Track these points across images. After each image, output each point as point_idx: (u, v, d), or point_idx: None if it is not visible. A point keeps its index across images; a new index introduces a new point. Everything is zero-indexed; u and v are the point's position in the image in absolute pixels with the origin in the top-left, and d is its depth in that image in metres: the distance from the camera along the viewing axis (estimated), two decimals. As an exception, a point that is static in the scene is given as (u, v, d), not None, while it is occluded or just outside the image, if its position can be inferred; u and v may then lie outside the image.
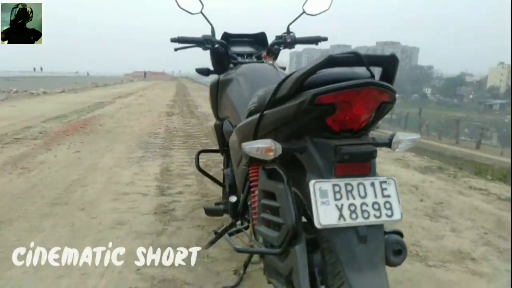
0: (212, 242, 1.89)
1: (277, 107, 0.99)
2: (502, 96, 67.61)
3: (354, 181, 0.88)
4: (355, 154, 0.86)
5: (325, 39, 2.02)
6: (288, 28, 2.03)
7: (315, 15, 1.99)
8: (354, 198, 0.86)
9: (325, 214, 0.84)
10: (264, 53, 2.05)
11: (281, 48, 2.05)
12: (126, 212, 2.61)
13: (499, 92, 70.58)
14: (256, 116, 1.10)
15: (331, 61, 0.84)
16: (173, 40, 1.95)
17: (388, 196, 0.88)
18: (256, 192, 1.26)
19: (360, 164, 0.89)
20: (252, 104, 1.25)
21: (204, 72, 2.28)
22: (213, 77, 2.06)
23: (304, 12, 1.99)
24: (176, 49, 2.14)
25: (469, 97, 72.18)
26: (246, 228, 1.58)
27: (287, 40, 2.01)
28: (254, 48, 2.21)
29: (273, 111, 1.01)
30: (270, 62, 2.06)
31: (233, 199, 1.43)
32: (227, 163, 2.10)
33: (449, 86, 70.91)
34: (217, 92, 1.94)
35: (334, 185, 0.87)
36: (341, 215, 0.85)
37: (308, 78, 0.89)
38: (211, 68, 2.24)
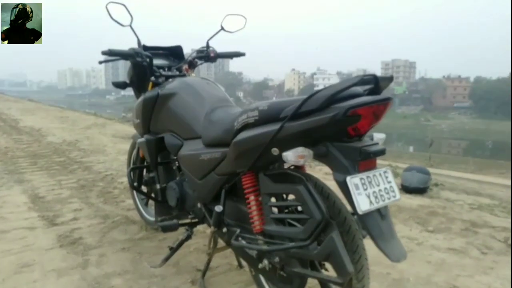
0: (167, 259, 1.87)
1: (304, 119, 1.13)
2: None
3: (370, 174, 1.14)
4: (374, 152, 1.12)
5: (243, 54, 2.22)
6: (207, 43, 2.14)
7: (233, 32, 2.18)
8: (373, 186, 1.13)
9: (362, 203, 1.08)
10: (185, 66, 2.12)
11: (202, 62, 2.16)
12: (23, 251, 2.22)
13: (294, 93, 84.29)
14: (270, 127, 1.21)
15: (361, 81, 1.07)
16: (104, 53, 1.85)
17: (390, 182, 1.18)
18: (253, 197, 1.39)
19: (373, 160, 1.16)
20: (249, 117, 1.32)
21: (121, 85, 2.19)
22: (148, 92, 1.99)
23: (222, 28, 2.15)
24: (100, 62, 2.01)
25: (273, 98, 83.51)
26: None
27: (210, 55, 2.12)
28: (170, 61, 2.25)
29: (299, 122, 1.15)
30: (193, 74, 2.16)
31: (219, 208, 1.50)
32: (163, 178, 2.08)
33: (256, 90, 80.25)
34: (153, 106, 1.91)
35: (361, 179, 1.11)
36: (370, 202, 1.10)
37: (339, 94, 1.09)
38: (127, 81, 2.18)
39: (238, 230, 1.45)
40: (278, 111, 1.22)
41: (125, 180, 3.78)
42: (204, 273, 1.82)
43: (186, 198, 1.86)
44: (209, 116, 1.68)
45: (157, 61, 2.12)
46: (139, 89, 2.21)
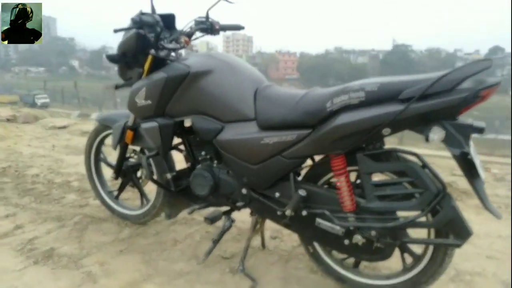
0: (210, 252, 1.72)
1: (433, 100, 1.17)
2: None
3: (471, 144, 1.27)
4: (481, 128, 1.23)
5: (242, 27, 2.05)
6: (207, 13, 1.86)
7: (234, 3, 1.99)
8: (475, 155, 1.27)
9: (481, 171, 1.25)
10: (185, 38, 1.86)
11: (203, 34, 1.93)
12: (-14, 278, 1.67)
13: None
14: (387, 109, 1.23)
15: (489, 65, 1.15)
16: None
17: (474, 150, 1.36)
18: (343, 179, 1.41)
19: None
20: (352, 98, 1.29)
21: (117, 59, 1.82)
22: (172, 70, 1.67)
23: None
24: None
25: (115, 69, 76.89)
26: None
27: (214, 27, 1.87)
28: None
29: (427, 103, 1.18)
30: (195, 48, 1.94)
31: (303, 192, 1.45)
32: (170, 165, 1.87)
33: (94, 59, 72.00)
34: (178, 86, 1.66)
35: (473, 151, 1.27)
36: (481, 169, 1.27)
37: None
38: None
39: (320, 212, 1.47)
40: (395, 92, 1.24)
41: (37, 172, 3.12)
42: (243, 259, 1.75)
43: (222, 185, 1.72)
44: (264, 96, 1.57)
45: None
46: (130, 64, 1.86)
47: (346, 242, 1.45)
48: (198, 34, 1.91)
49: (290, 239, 2.10)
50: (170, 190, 1.91)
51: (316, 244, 1.65)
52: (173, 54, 1.84)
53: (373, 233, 1.39)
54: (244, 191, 1.66)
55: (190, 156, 1.87)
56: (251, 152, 1.56)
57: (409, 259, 1.50)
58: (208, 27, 1.87)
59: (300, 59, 72.78)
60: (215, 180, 1.72)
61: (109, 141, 2.29)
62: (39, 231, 2.12)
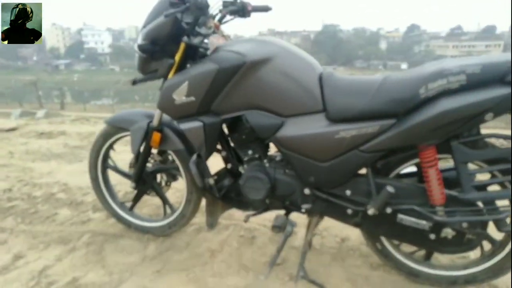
0: (274, 262, 1.57)
1: None
2: (64, 56, 70.05)
3: None
4: None
5: (270, 8, 1.73)
6: None
7: None
8: None
9: None
10: (215, 22, 1.62)
11: (234, 17, 1.66)
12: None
13: (59, 52, 72.51)
14: (494, 92, 1.14)
15: None
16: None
17: None
18: (433, 171, 1.31)
19: None
20: (451, 82, 1.19)
21: (150, 49, 1.55)
22: (224, 60, 1.44)
23: None
24: (166, 15, 1.39)
25: (33, 59, 69.65)
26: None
27: (247, 8, 1.62)
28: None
29: None
30: (226, 33, 1.70)
31: (391, 188, 1.33)
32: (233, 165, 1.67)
33: (8, 48, 64.49)
34: (231, 78, 1.44)
35: None
36: None
37: None
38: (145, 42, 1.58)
39: (408, 208, 1.37)
40: (499, 74, 1.15)
41: (7, 186, 2.68)
42: (302, 263, 1.61)
43: (279, 186, 1.55)
44: (332, 84, 1.40)
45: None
46: (156, 54, 1.59)
47: (432, 236, 1.38)
48: (228, 17, 1.68)
49: (329, 234, 2.00)
50: (215, 196, 1.69)
51: (384, 240, 1.57)
52: (206, 41, 1.60)
53: (464, 224, 1.33)
54: (306, 191, 1.51)
55: (231, 157, 1.66)
56: (322, 148, 1.40)
57: (487, 246, 1.47)
58: (239, 8, 1.64)
59: (234, 42, 71.95)
60: (272, 182, 1.54)
61: (117, 146, 1.99)
62: (47, 259, 1.78)
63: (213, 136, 1.55)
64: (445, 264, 1.61)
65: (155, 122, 1.72)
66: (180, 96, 1.51)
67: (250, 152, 1.60)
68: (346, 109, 1.36)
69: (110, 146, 1.95)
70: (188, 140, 1.60)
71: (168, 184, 1.95)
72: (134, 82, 1.72)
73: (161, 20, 1.51)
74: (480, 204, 1.32)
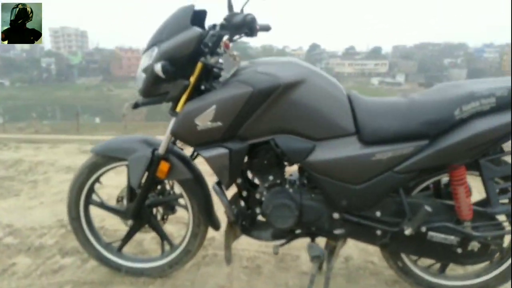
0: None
1: None
2: None
3: None
4: None
5: (270, 28, 1.58)
6: (242, 11, 1.47)
7: None
8: None
9: None
10: (226, 41, 1.46)
11: (241, 35, 1.49)
12: None
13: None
14: None
15: None
16: None
17: None
18: (462, 189, 1.38)
19: None
20: (483, 104, 1.29)
21: (171, 71, 1.38)
22: (258, 82, 1.34)
23: None
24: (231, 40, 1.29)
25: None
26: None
27: (255, 27, 1.45)
28: None
29: None
30: (235, 52, 1.61)
31: (429, 208, 1.37)
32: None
33: None
34: (264, 101, 1.35)
35: None
36: None
37: None
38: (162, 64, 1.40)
39: (441, 225, 1.43)
40: None
41: None
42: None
43: (306, 213, 1.49)
44: (363, 106, 1.40)
45: None
46: (174, 75, 1.42)
47: (459, 250, 1.46)
48: (236, 36, 1.58)
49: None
50: (237, 227, 1.55)
51: (404, 257, 1.61)
52: (220, 60, 1.49)
53: (489, 237, 1.43)
54: (336, 215, 1.48)
55: (246, 183, 1.56)
56: (357, 171, 1.40)
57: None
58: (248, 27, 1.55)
59: (144, 56, 69.43)
60: (299, 208, 1.48)
61: (104, 179, 1.73)
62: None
63: (238, 163, 1.44)
64: (458, 275, 1.71)
65: (162, 150, 1.54)
66: (204, 121, 1.37)
67: (271, 177, 1.51)
68: (380, 131, 1.37)
69: (97, 179, 1.68)
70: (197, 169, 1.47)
71: (165, 218, 1.75)
72: (136, 106, 1.53)
73: (185, 37, 1.37)
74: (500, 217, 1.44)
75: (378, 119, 1.38)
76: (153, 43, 1.44)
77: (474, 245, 1.44)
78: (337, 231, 1.50)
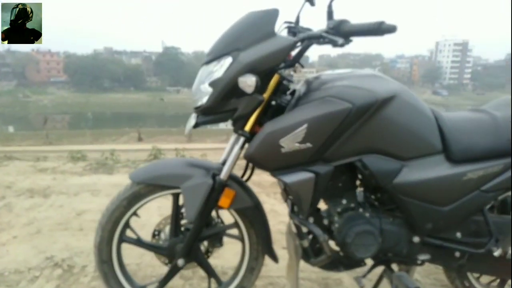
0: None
1: None
2: None
3: None
4: None
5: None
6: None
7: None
8: None
9: None
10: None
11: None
12: None
13: None
14: None
15: None
16: None
17: None
18: None
19: None
20: None
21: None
22: (356, 97, 1.18)
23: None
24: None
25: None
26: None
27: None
28: None
29: None
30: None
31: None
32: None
33: None
34: (359, 119, 1.21)
35: None
36: None
37: None
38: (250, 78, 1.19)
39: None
40: None
41: None
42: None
43: (387, 238, 1.37)
44: (449, 122, 1.33)
45: None
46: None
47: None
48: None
49: (311, 279, 1.87)
50: (310, 260, 1.37)
51: (470, 276, 1.57)
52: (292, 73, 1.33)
53: None
54: (416, 239, 1.38)
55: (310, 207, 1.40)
56: (446, 192, 1.31)
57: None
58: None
59: (65, 60, 64.37)
60: (383, 235, 1.36)
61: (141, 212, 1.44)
62: None
63: (322, 188, 1.27)
64: None
65: (225, 175, 1.31)
66: (291, 142, 1.19)
67: (344, 201, 1.37)
68: (470, 149, 1.31)
69: (134, 213, 1.39)
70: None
71: (210, 251, 1.51)
72: (197, 125, 1.28)
73: (276, 47, 1.17)
74: None
75: (466, 137, 1.32)
76: (225, 52, 1.21)
77: None
78: (420, 256, 1.40)
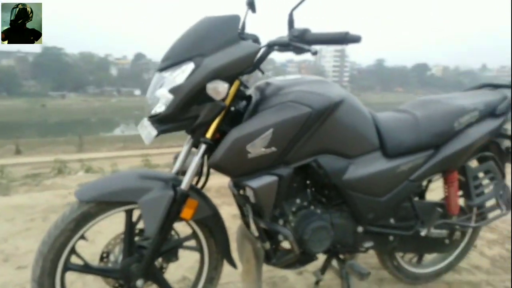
0: None
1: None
2: None
3: None
4: None
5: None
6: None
7: None
8: None
9: None
10: None
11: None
12: None
13: None
14: (493, 123, 1.60)
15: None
16: None
17: None
18: (453, 189, 1.64)
19: None
20: (472, 117, 1.56)
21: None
22: (315, 102, 1.25)
23: None
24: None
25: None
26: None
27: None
28: None
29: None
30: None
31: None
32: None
33: None
34: (317, 122, 1.29)
35: None
36: None
37: None
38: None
39: (442, 222, 1.65)
40: (493, 109, 1.63)
41: None
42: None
43: (337, 231, 1.48)
44: (382, 121, 1.49)
45: None
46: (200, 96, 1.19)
47: (447, 241, 1.71)
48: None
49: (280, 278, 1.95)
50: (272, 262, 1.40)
51: (397, 256, 1.78)
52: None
53: (470, 227, 1.74)
54: (360, 229, 1.53)
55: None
56: (385, 184, 1.49)
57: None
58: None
59: None
60: (335, 229, 1.46)
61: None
62: None
63: (284, 190, 1.31)
64: (429, 262, 1.96)
65: (186, 186, 1.25)
66: (258, 147, 1.21)
67: (298, 201, 1.44)
68: (401, 144, 1.50)
69: (82, 236, 1.23)
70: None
71: (164, 268, 1.42)
72: (159, 133, 1.20)
73: (242, 53, 1.16)
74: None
75: (397, 134, 1.50)
76: (186, 58, 1.16)
77: (458, 235, 1.73)
78: (365, 244, 1.54)
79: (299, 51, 1.18)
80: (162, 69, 1.21)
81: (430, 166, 1.54)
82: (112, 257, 1.31)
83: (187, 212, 1.26)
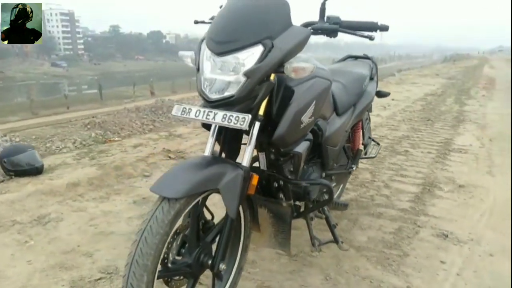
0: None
1: None
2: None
3: None
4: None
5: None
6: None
7: None
8: None
9: None
10: None
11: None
12: None
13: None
14: None
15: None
16: None
17: None
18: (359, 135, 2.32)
19: None
20: (367, 80, 2.15)
21: None
22: (322, 72, 1.51)
23: None
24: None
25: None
26: None
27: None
28: None
29: None
30: None
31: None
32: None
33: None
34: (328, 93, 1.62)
35: None
36: None
37: None
38: None
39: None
40: (371, 74, 2.25)
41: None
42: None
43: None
44: (340, 86, 1.88)
45: None
46: None
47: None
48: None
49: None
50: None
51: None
52: None
53: None
54: (323, 174, 1.82)
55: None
56: (339, 137, 1.86)
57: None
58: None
59: None
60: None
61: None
62: None
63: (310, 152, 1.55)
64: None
65: (247, 162, 1.29)
66: (306, 118, 1.39)
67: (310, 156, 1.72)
68: (342, 105, 1.88)
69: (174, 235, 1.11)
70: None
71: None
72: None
73: (301, 37, 1.26)
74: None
75: (339, 97, 1.85)
76: (254, 41, 1.18)
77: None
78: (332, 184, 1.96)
79: (334, 34, 1.42)
80: (224, 52, 1.17)
81: (353, 118, 2.04)
82: (171, 255, 1.21)
83: (252, 187, 1.31)
